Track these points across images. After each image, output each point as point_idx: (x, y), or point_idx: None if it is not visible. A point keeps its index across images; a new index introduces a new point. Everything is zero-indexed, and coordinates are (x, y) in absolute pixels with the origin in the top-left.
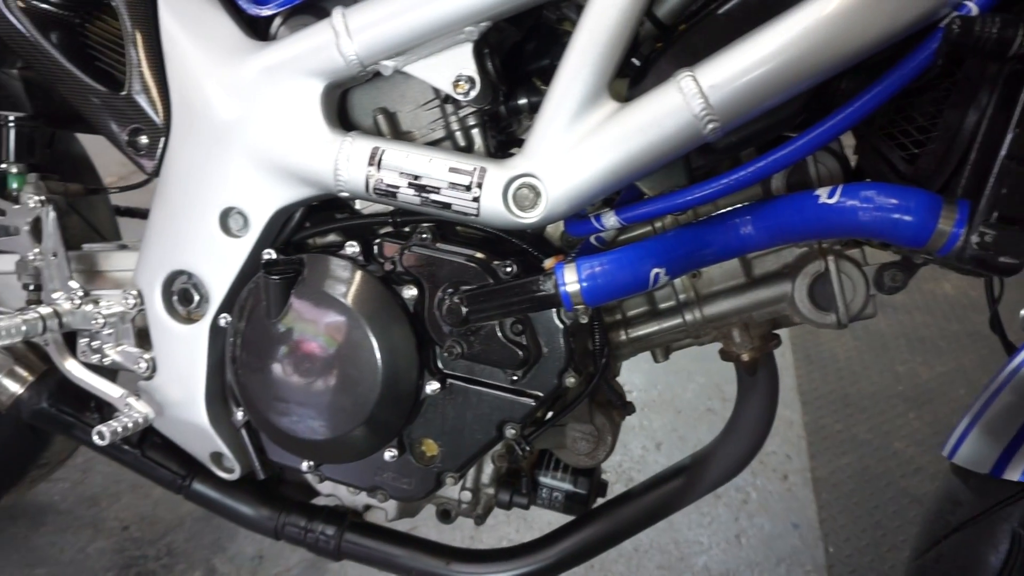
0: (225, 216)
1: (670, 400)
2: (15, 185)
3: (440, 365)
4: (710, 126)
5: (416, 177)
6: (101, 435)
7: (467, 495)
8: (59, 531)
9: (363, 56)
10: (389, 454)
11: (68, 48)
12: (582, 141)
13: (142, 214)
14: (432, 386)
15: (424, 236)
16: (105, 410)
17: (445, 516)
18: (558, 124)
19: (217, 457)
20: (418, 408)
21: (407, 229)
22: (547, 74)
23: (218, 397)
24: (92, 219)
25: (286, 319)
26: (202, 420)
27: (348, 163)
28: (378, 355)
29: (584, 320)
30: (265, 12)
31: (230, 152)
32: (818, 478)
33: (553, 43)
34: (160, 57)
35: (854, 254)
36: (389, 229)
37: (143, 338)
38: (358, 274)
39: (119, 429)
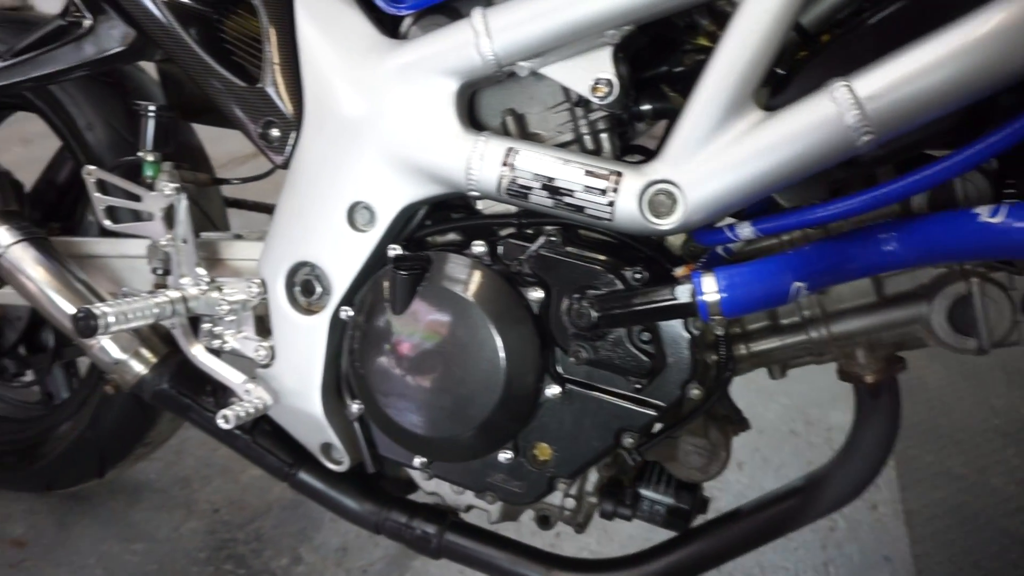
0: (352, 210)
1: (752, 420)
2: (149, 173)
3: (560, 369)
4: (865, 138)
5: (550, 179)
6: (226, 418)
7: (571, 502)
8: (155, 509)
9: (501, 56)
10: (504, 456)
11: (206, 42)
12: (725, 149)
13: (248, 206)
14: (552, 390)
15: (553, 239)
16: (219, 394)
17: (544, 522)
18: (700, 131)
19: (327, 448)
20: (535, 411)
21: (530, 231)
22: (668, 81)
23: (333, 389)
24: (207, 209)
25: (411, 315)
26: (316, 410)
27: (481, 162)
28: (502, 355)
29: (719, 331)
30: (404, 12)
31: (361, 148)
32: (910, 511)
33: (672, 50)
34: (295, 53)
35: (999, 277)
36: (511, 230)
37: (262, 326)
38: (485, 273)
39: (242, 414)
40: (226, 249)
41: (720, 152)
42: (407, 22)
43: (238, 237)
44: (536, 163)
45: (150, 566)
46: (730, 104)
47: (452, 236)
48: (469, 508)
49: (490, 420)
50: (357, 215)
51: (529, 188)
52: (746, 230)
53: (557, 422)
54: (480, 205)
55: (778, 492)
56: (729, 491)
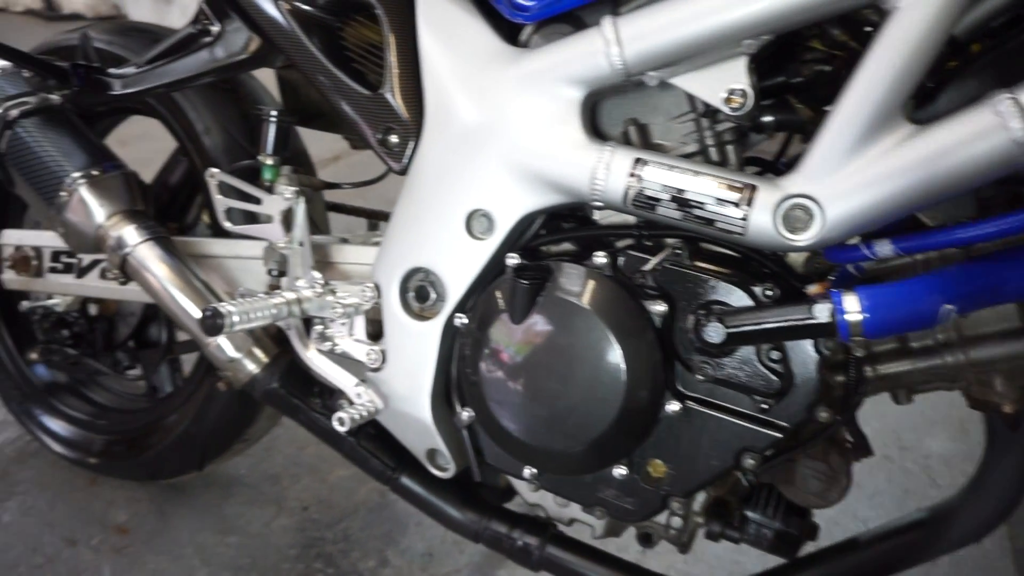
0: (471, 218)
1: None
2: (268, 176)
3: (679, 385)
4: None
5: (680, 191)
6: (342, 421)
7: (677, 521)
8: (246, 503)
9: (631, 65)
10: (619, 471)
11: (328, 49)
12: (871, 164)
13: (347, 210)
14: (672, 406)
15: (679, 251)
16: (326, 396)
17: (646, 540)
18: (843, 144)
19: (433, 454)
20: (653, 427)
21: (649, 243)
22: (786, 91)
23: (442, 395)
24: (312, 212)
25: (531, 324)
26: (425, 416)
27: (607, 172)
28: (623, 369)
29: (859, 353)
30: (529, 20)
31: (483, 156)
32: (1019, 548)
33: (790, 60)
34: (416, 61)
35: None
36: (629, 241)
37: (372, 330)
38: (608, 285)
39: (356, 417)
40: (335, 253)
41: (865, 166)
42: (527, 30)
43: (344, 241)
44: (666, 174)
45: (243, 559)
46: (877, 116)
47: (565, 246)
48: (572, 522)
49: (607, 434)
50: (475, 223)
51: (657, 200)
52: (885, 248)
53: (674, 439)
54: (596, 215)
55: (899, 523)
56: (820, 516)
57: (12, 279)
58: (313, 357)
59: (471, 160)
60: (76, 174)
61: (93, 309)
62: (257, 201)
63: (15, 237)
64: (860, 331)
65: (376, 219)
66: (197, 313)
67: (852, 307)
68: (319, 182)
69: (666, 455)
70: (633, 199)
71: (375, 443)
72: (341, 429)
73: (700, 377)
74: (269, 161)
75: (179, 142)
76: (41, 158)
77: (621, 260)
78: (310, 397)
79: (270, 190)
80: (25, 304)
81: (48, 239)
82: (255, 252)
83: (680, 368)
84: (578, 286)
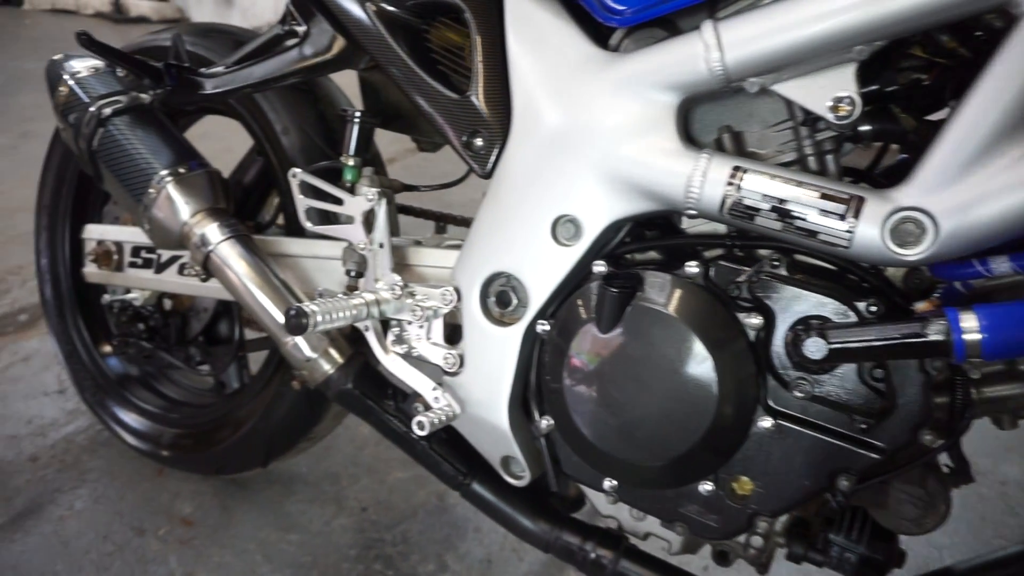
0: (556, 224)
1: None
2: (349, 177)
3: (771, 401)
4: None
5: (782, 201)
6: (421, 425)
7: (758, 541)
8: (307, 501)
9: (732, 71)
10: (705, 487)
11: (413, 51)
12: (993, 177)
13: (415, 212)
14: (764, 423)
15: (776, 263)
16: (399, 399)
17: (722, 558)
18: (962, 156)
19: (507, 461)
20: (742, 443)
21: (740, 253)
22: (876, 99)
23: (520, 402)
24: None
25: (620, 334)
26: (502, 423)
27: (703, 181)
28: (715, 382)
29: (975, 375)
30: (624, 24)
31: (572, 161)
32: None
33: (885, 67)
34: (504, 64)
35: None
36: (718, 251)
37: (449, 334)
38: (700, 296)
39: (435, 421)
40: (411, 255)
41: (987, 179)
42: (619, 35)
43: (418, 243)
44: (767, 184)
45: (304, 557)
46: (1002, 127)
47: (650, 254)
48: (647, 536)
49: (695, 449)
50: (561, 229)
51: (756, 210)
52: (1003, 265)
53: (764, 456)
54: (685, 224)
55: (999, 555)
56: None
57: (94, 272)
58: (391, 359)
59: (559, 165)
60: (164, 172)
61: (167, 304)
62: (339, 202)
63: (97, 232)
64: (978, 352)
65: (445, 222)
66: (277, 311)
67: (970, 326)
68: (398, 184)
69: (755, 473)
70: (730, 208)
71: (447, 448)
72: (420, 433)
73: (797, 394)
74: (351, 162)
75: (257, 141)
76: (131, 155)
77: (712, 271)
78: (383, 399)
79: (351, 191)
80: (107, 297)
81: (129, 234)
82: (332, 252)
83: (773, 383)
84: (670, 296)
